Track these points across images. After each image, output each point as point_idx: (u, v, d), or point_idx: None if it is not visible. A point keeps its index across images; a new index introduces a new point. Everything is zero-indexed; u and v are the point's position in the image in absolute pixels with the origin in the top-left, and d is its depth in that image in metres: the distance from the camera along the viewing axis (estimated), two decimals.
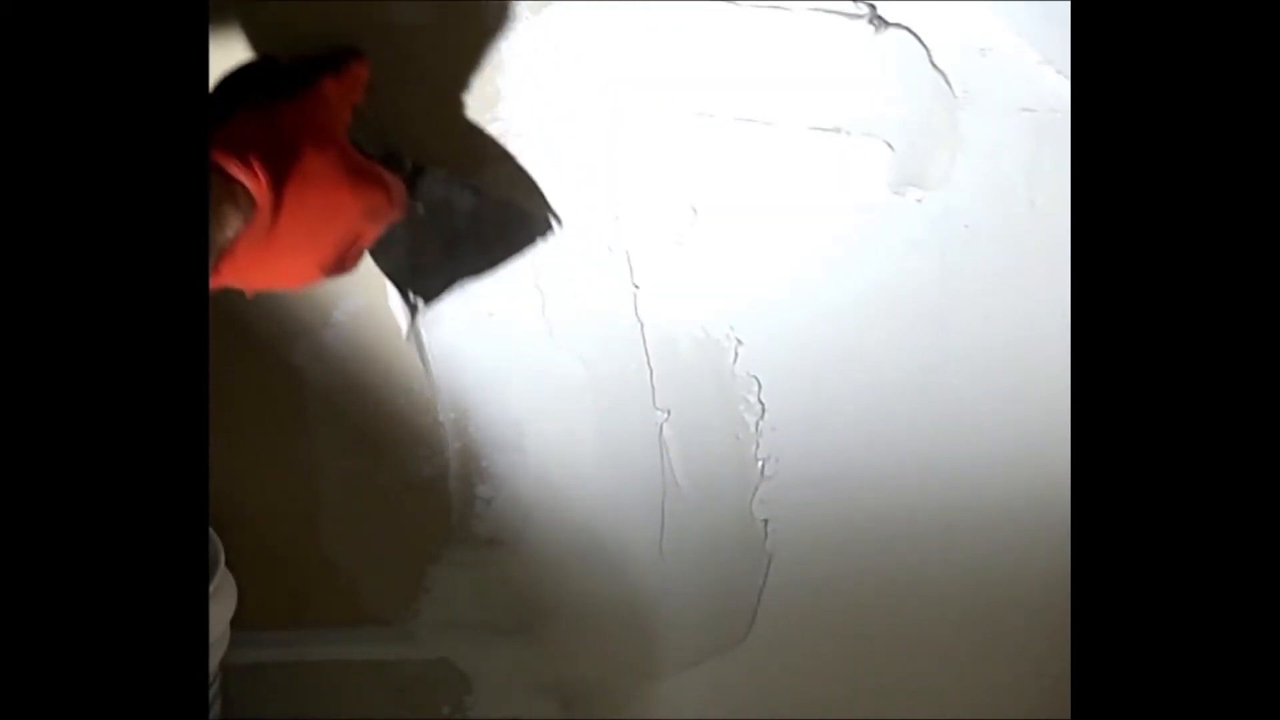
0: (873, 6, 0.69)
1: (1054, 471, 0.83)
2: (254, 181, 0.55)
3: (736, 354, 0.80)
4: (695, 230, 0.75)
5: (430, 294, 0.76)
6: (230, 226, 0.55)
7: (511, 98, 0.71)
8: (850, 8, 0.69)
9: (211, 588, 0.76)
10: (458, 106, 0.71)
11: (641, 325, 0.78)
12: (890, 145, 0.72)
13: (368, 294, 0.77)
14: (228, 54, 0.67)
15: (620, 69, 0.70)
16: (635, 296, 0.77)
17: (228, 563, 0.78)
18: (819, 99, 0.71)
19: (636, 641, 0.91)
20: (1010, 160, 0.73)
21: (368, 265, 0.77)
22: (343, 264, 0.63)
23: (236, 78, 0.63)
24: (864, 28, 0.69)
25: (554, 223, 0.74)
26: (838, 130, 0.72)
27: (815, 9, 0.69)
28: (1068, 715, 0.50)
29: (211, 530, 0.78)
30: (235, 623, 0.80)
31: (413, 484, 0.83)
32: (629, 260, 0.76)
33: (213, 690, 0.81)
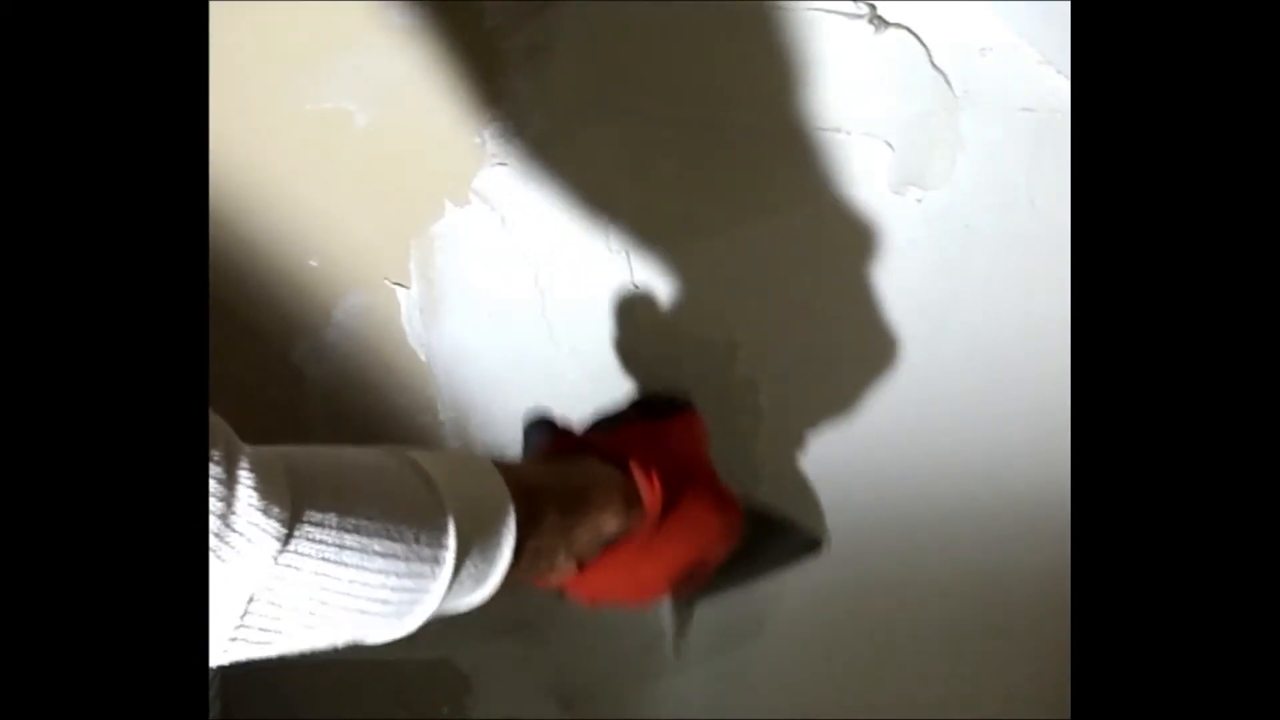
0: (873, 6, 0.69)
1: (1054, 471, 0.83)
2: (650, 489, 0.59)
3: (735, 355, 0.80)
4: (695, 231, 0.75)
5: (697, 599, 0.79)
6: (613, 522, 0.58)
7: (511, 98, 0.71)
8: (850, 8, 0.69)
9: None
10: None
11: (641, 326, 0.78)
12: (890, 145, 0.72)
13: (368, 293, 0.77)
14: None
15: (620, 69, 0.70)
16: (635, 297, 0.77)
17: None
18: (819, 99, 0.71)
19: (636, 641, 0.91)
20: (1010, 160, 0.73)
21: (367, 264, 0.77)
22: (689, 584, 0.65)
23: (608, 416, 0.69)
24: (864, 28, 0.69)
25: (823, 543, 0.78)
26: (838, 130, 0.72)
27: (815, 9, 0.69)
28: (1068, 715, 0.50)
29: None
30: None
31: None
32: (629, 260, 0.76)
33: (213, 690, 0.81)
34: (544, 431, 0.64)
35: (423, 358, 0.79)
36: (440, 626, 0.90)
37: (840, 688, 0.93)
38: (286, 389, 0.79)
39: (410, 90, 0.71)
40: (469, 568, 0.49)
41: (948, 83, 0.71)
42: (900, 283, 0.77)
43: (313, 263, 0.76)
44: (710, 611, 0.89)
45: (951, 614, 0.90)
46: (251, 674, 0.89)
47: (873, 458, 0.84)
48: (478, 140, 0.72)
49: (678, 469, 0.61)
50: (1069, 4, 0.65)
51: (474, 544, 0.49)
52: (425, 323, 0.78)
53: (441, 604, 0.49)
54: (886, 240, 0.76)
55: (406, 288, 0.77)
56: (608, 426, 0.68)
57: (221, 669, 0.81)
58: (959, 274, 0.77)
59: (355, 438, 0.82)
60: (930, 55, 0.70)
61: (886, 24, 0.69)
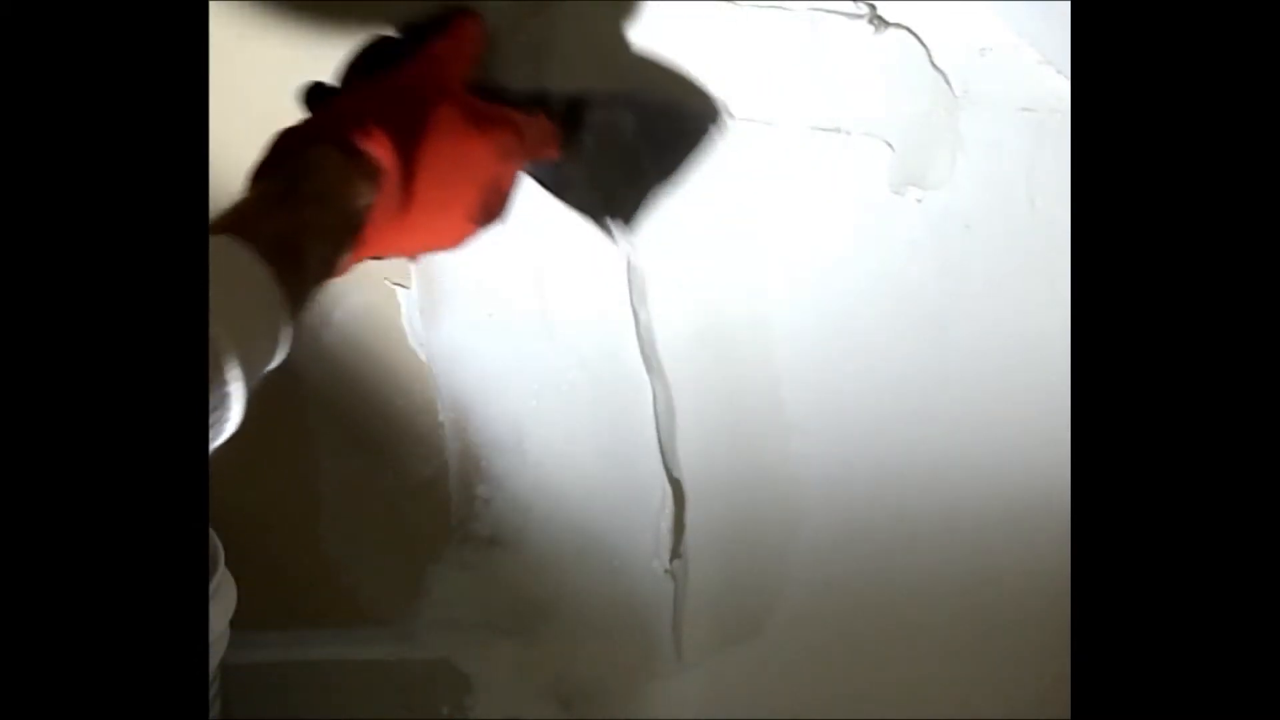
0: (873, 6, 0.69)
1: (1054, 471, 0.83)
2: (377, 147, 0.56)
3: (735, 355, 0.80)
4: (695, 230, 0.75)
5: (628, 217, 0.74)
6: (364, 196, 0.56)
7: (511, 98, 0.71)
8: (850, 8, 0.69)
9: (211, 588, 0.76)
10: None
11: (640, 325, 0.78)
12: (890, 145, 0.72)
13: (368, 294, 0.77)
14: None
15: (620, 69, 0.70)
16: (634, 295, 0.77)
17: (228, 563, 0.78)
18: (819, 99, 0.71)
19: (636, 641, 0.91)
20: (1010, 160, 0.73)
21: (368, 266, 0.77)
22: (490, 210, 0.63)
23: (356, 59, 0.65)
24: (864, 28, 0.69)
25: (722, 111, 0.72)
26: (838, 130, 0.72)
27: (815, 9, 0.69)
28: (1068, 715, 0.50)
29: (211, 530, 0.78)
30: (235, 623, 0.79)
31: (413, 484, 0.83)
32: (629, 260, 0.76)
33: (213, 690, 0.81)
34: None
35: (423, 358, 0.79)
36: (440, 626, 0.90)
37: (840, 688, 0.93)
38: (286, 389, 0.79)
39: None
40: (258, 369, 0.50)
41: (948, 83, 0.71)
42: (900, 282, 0.77)
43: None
44: (710, 611, 0.89)
45: (951, 614, 0.90)
46: (252, 674, 0.89)
47: (873, 457, 0.84)
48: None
49: (411, 108, 0.59)
50: (1069, 4, 0.65)
51: (255, 353, 0.50)
52: (425, 323, 0.78)
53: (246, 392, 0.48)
54: (886, 240, 0.76)
55: (406, 288, 0.77)
56: (348, 81, 0.65)
57: (222, 668, 0.81)
58: (959, 274, 0.77)
59: (355, 438, 0.82)
60: (930, 55, 0.70)
61: (886, 24, 0.69)
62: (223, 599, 0.78)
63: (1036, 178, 0.74)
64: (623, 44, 0.70)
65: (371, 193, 0.56)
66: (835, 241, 0.76)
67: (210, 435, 0.45)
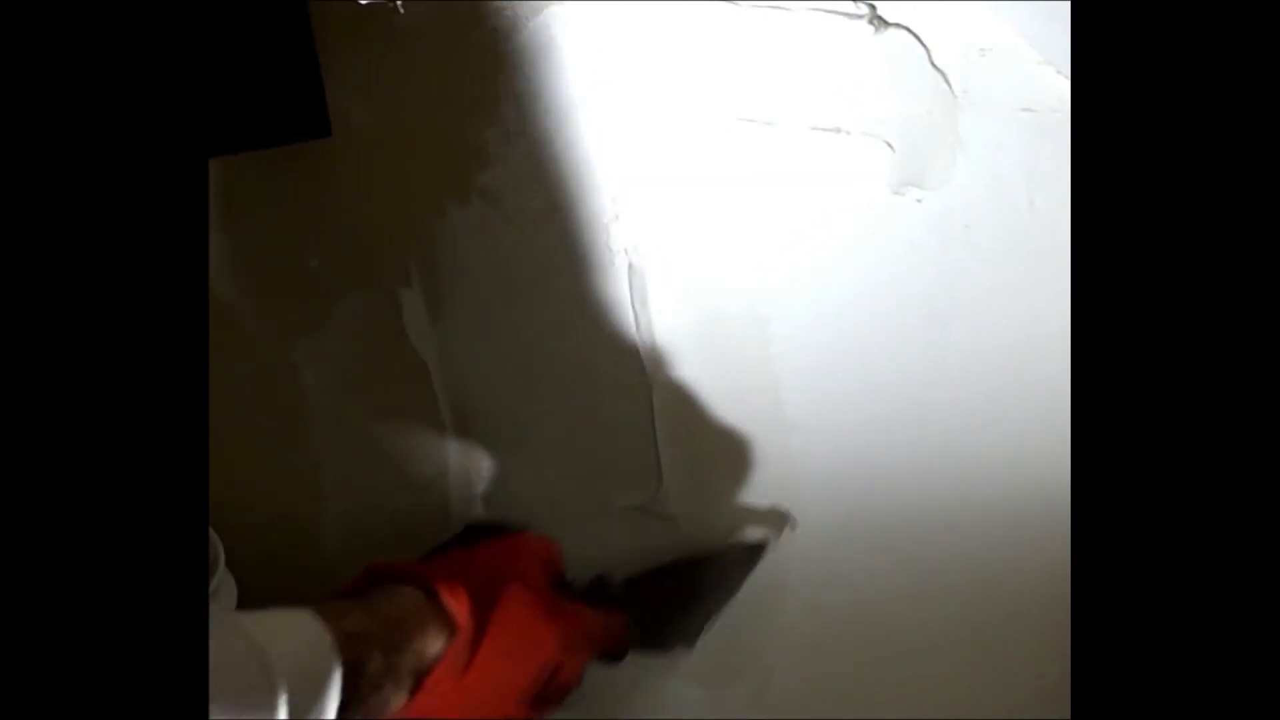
0: (873, 6, 0.69)
1: (1054, 471, 0.83)
2: (458, 604, 0.59)
3: (735, 355, 0.80)
4: (695, 231, 0.75)
5: (692, 642, 0.82)
6: (433, 645, 0.58)
7: (512, 98, 0.71)
8: (850, 8, 0.69)
9: (211, 588, 0.76)
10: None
11: (640, 325, 0.78)
12: (890, 145, 0.73)
13: (368, 293, 0.77)
14: None
15: (620, 69, 0.70)
16: (635, 296, 0.77)
17: (228, 563, 0.78)
18: (819, 99, 0.71)
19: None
20: (1010, 160, 0.73)
21: (368, 266, 0.77)
22: (545, 698, 0.66)
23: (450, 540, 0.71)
24: (864, 28, 0.69)
25: (772, 537, 0.80)
26: (838, 130, 0.72)
27: (815, 9, 0.69)
28: (1068, 715, 0.50)
29: (211, 530, 0.78)
30: None
31: (413, 484, 0.83)
32: (629, 260, 0.76)
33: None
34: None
35: (423, 357, 0.79)
36: None
37: (840, 688, 0.93)
38: (286, 389, 0.79)
39: (411, 90, 0.71)
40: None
41: (948, 83, 0.71)
42: (900, 283, 0.77)
43: (313, 263, 0.76)
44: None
45: (951, 614, 0.90)
46: None
47: (872, 456, 0.84)
48: (478, 140, 0.72)
49: (491, 583, 0.63)
50: (1069, 4, 0.65)
51: (304, 704, 0.51)
52: (425, 323, 0.78)
53: None
54: (886, 240, 0.76)
55: (407, 288, 0.77)
56: (443, 549, 0.71)
57: None
58: (959, 274, 0.77)
59: (355, 438, 0.82)
60: (930, 55, 0.70)
61: (886, 24, 0.69)
62: (223, 599, 0.78)
63: (1036, 178, 0.74)
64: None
65: (441, 644, 0.59)
66: (835, 241, 0.76)
67: None
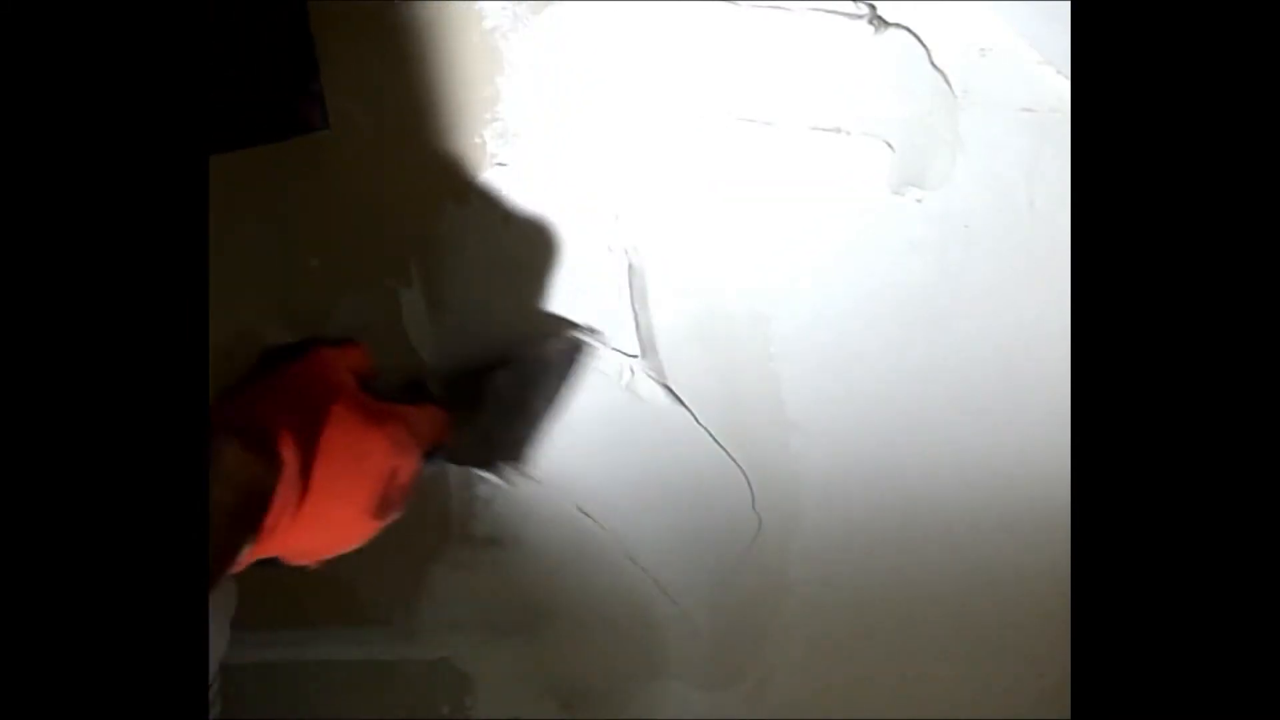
0: (873, 6, 0.69)
1: (1054, 471, 0.83)
2: (279, 440, 0.57)
3: (735, 355, 0.80)
4: (695, 231, 0.75)
5: (517, 457, 0.79)
6: (263, 485, 0.56)
7: (511, 98, 0.71)
8: (850, 8, 0.69)
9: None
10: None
11: (640, 325, 0.78)
12: (890, 145, 0.72)
13: (368, 293, 0.77)
14: None
15: (620, 69, 0.70)
16: (635, 296, 0.77)
17: None
18: (819, 99, 0.71)
19: (636, 641, 0.91)
20: (1010, 160, 0.73)
21: (369, 263, 0.77)
22: (388, 504, 0.64)
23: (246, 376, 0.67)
24: (864, 28, 0.69)
25: (587, 338, 0.78)
26: (838, 130, 0.72)
27: (815, 9, 0.69)
28: (1068, 715, 0.50)
29: None
30: (235, 623, 0.79)
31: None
32: (629, 260, 0.76)
33: (213, 690, 0.81)
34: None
35: (423, 357, 0.79)
36: (440, 626, 0.90)
37: (840, 688, 0.94)
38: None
39: (410, 90, 0.71)
40: None
41: (948, 83, 0.71)
42: (900, 283, 0.77)
43: (313, 263, 0.76)
44: (710, 611, 0.89)
45: (951, 614, 0.90)
46: (252, 674, 0.89)
47: (872, 456, 0.84)
48: (478, 140, 0.72)
49: (308, 403, 0.60)
50: (1069, 4, 0.65)
51: None
52: (425, 323, 0.78)
53: None
54: (886, 240, 0.76)
55: (407, 288, 0.77)
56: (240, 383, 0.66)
57: (222, 668, 0.81)
58: (959, 274, 0.77)
59: None
60: (930, 55, 0.70)
61: (886, 24, 0.69)
62: (223, 599, 0.78)
63: (1036, 178, 0.74)
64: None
65: (273, 481, 0.56)
66: (835, 241, 0.76)
67: None
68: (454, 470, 0.83)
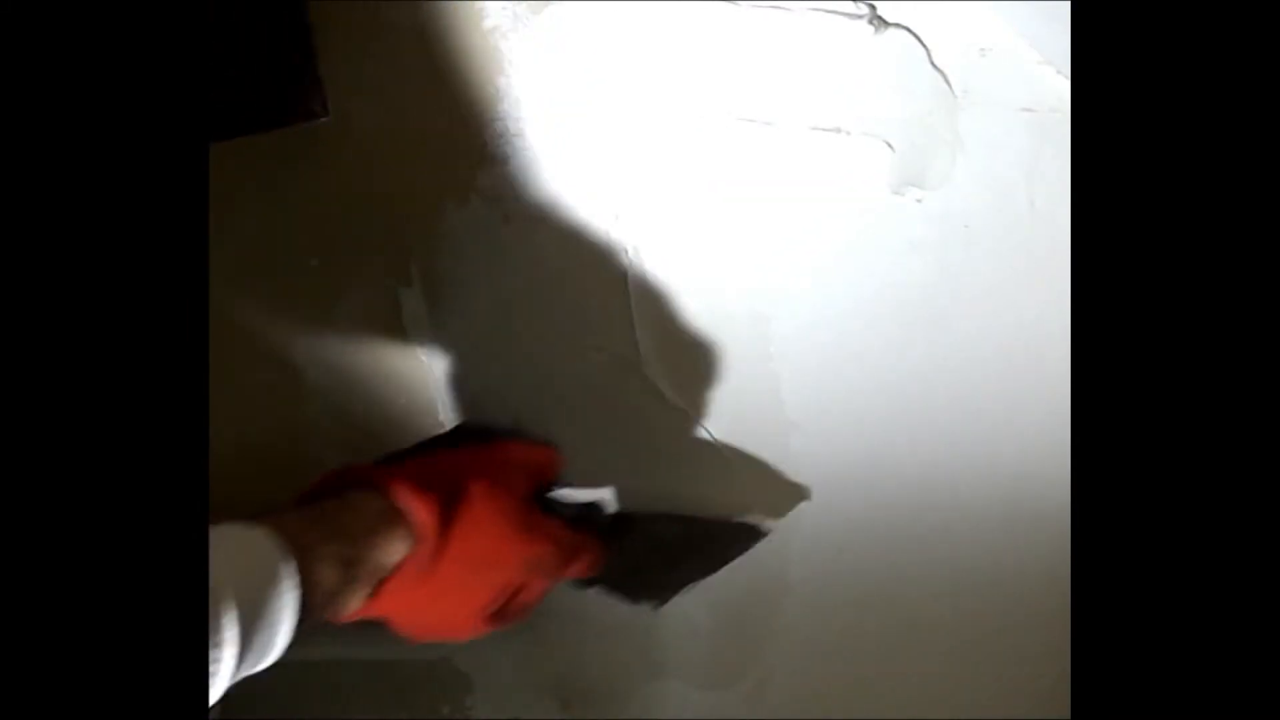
0: (873, 6, 0.69)
1: (1054, 472, 0.83)
2: (422, 510, 0.58)
3: (735, 354, 0.80)
4: (694, 230, 0.75)
5: (661, 601, 0.81)
6: (395, 552, 0.57)
7: (511, 98, 0.71)
8: (850, 8, 0.69)
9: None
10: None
11: (639, 326, 0.78)
12: (890, 145, 0.72)
13: (368, 293, 0.77)
14: None
15: (620, 69, 0.70)
16: (635, 296, 0.77)
17: None
18: (819, 99, 0.71)
19: (636, 641, 0.91)
20: (1010, 160, 0.73)
21: (369, 263, 0.77)
22: (505, 614, 0.65)
23: (427, 440, 0.69)
24: (864, 28, 0.69)
25: (767, 529, 0.80)
26: (838, 130, 0.72)
27: (815, 9, 0.69)
28: (1068, 715, 0.50)
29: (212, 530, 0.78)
30: None
31: None
32: (629, 260, 0.76)
33: None
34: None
35: (423, 358, 0.79)
36: None
37: (840, 688, 0.93)
38: (286, 389, 0.79)
39: (410, 90, 0.71)
40: (255, 642, 0.51)
41: (948, 83, 0.71)
42: (900, 283, 0.77)
43: (313, 263, 0.76)
44: (710, 611, 0.89)
45: (951, 614, 0.90)
46: (252, 674, 0.89)
47: (872, 458, 0.84)
48: (478, 140, 0.72)
49: (462, 491, 0.61)
50: (1069, 4, 0.65)
51: (255, 620, 0.50)
52: (425, 323, 0.78)
53: (232, 680, 0.50)
54: (886, 240, 0.76)
55: (407, 287, 0.77)
56: (411, 454, 0.68)
57: None
58: (959, 274, 0.77)
59: (355, 438, 0.82)
60: (930, 55, 0.70)
61: (886, 24, 0.69)
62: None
63: (1036, 178, 0.74)
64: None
65: (402, 551, 0.58)
66: (835, 241, 0.76)
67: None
68: None
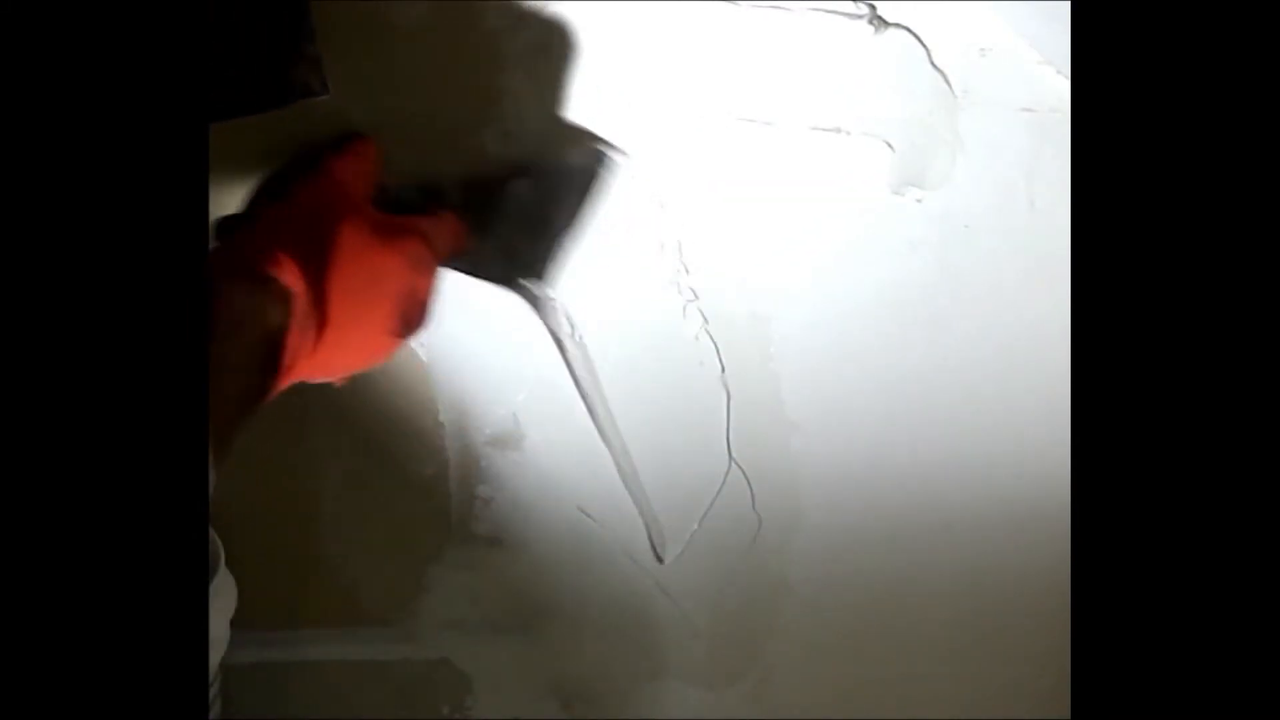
0: (873, 6, 0.69)
1: (1054, 471, 0.83)
2: (285, 272, 0.56)
3: (734, 355, 0.80)
4: (694, 230, 0.75)
5: (540, 272, 0.75)
6: (276, 321, 0.56)
7: (511, 98, 0.71)
8: (850, 8, 0.69)
9: (211, 588, 0.76)
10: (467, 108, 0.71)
11: (639, 326, 0.78)
12: (890, 145, 0.72)
13: None
14: None
15: (620, 69, 0.70)
16: (635, 297, 0.77)
17: (227, 563, 0.78)
18: (819, 99, 0.71)
19: (636, 641, 0.91)
20: (1010, 160, 0.73)
21: None
22: (410, 321, 0.63)
23: (260, 187, 0.66)
24: (864, 28, 0.69)
25: (608, 153, 0.73)
26: (838, 130, 0.72)
27: (815, 9, 0.69)
28: (1068, 715, 0.50)
29: (212, 530, 0.78)
30: (235, 623, 0.79)
31: (413, 484, 0.83)
32: (628, 260, 0.76)
33: (213, 690, 0.81)
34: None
35: (423, 358, 0.79)
36: (440, 626, 0.90)
37: (840, 688, 0.93)
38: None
39: (410, 90, 0.71)
40: None
41: (948, 83, 0.71)
42: (900, 283, 0.77)
43: None
44: (710, 611, 0.89)
45: (951, 614, 0.90)
46: (252, 674, 0.89)
47: (873, 457, 0.84)
48: (478, 140, 0.72)
49: (316, 229, 0.59)
50: (1069, 4, 0.65)
51: None
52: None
53: None
54: (886, 240, 0.76)
55: None
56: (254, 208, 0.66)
57: (222, 668, 0.81)
58: (959, 274, 0.77)
59: (355, 438, 0.82)
60: (930, 55, 0.70)
61: (886, 24, 0.69)
62: (223, 599, 0.78)
63: (1036, 178, 0.74)
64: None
65: (284, 317, 0.56)
66: (835, 241, 0.76)
67: None
68: (454, 471, 0.83)
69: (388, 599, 0.89)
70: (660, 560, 0.86)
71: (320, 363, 0.59)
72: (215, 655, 0.79)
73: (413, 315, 0.63)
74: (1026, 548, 0.87)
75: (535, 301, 0.76)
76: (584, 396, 0.80)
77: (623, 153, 0.73)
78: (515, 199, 0.72)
